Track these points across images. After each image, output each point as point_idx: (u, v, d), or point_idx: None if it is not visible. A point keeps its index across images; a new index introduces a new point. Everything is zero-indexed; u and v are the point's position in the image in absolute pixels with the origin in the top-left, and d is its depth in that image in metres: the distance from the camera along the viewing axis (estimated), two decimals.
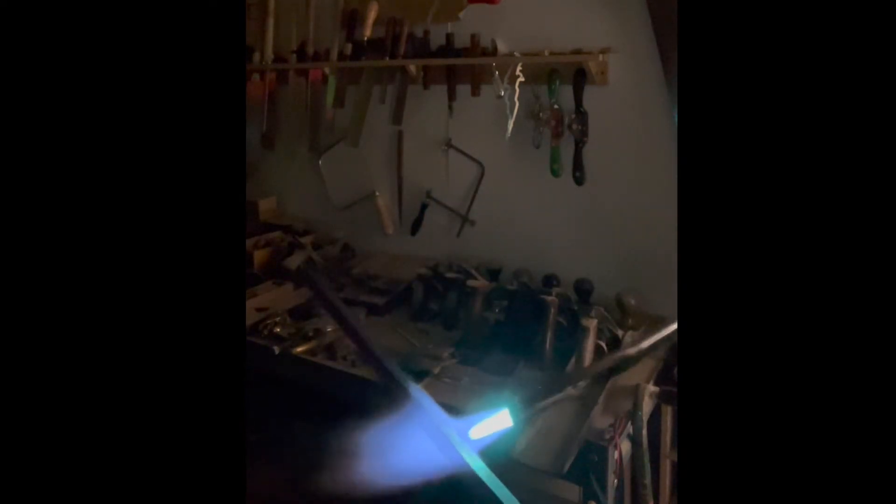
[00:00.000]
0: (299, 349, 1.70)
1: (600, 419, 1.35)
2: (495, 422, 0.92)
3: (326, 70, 2.26)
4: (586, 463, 1.27)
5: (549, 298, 1.58)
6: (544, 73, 1.84)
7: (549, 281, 1.89)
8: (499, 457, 1.01)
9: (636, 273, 1.83)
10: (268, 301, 1.97)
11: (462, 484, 0.88)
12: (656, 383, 1.47)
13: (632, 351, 1.23)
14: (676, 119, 1.65)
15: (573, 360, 1.48)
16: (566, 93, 1.84)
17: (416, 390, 1.02)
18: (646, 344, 1.21)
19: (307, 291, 2.04)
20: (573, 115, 1.83)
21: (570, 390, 1.18)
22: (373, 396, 1.53)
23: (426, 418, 0.94)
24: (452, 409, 1.09)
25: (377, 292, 2.02)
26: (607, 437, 1.28)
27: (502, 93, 1.85)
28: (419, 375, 1.54)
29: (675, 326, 1.17)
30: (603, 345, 1.53)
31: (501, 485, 0.85)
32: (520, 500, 0.83)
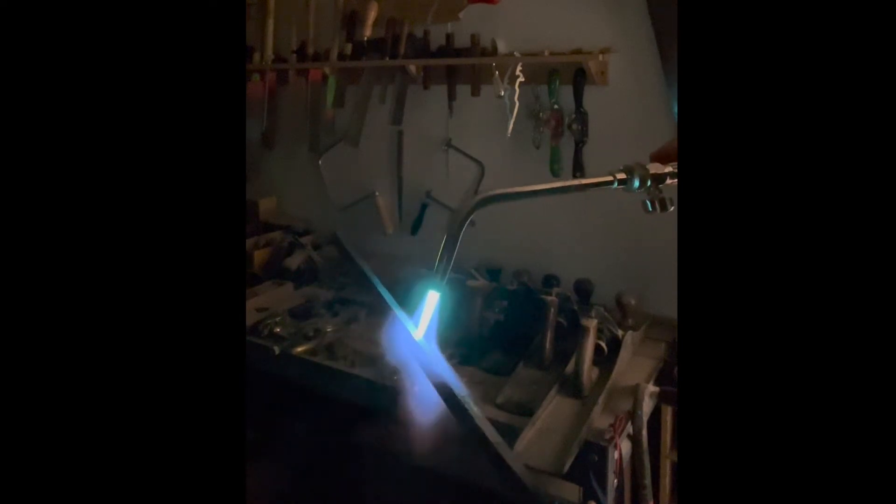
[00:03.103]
0: (299, 349, 1.70)
1: (600, 419, 1.35)
2: (428, 307, 0.94)
3: (326, 70, 2.26)
4: (586, 463, 1.27)
5: (549, 298, 1.58)
6: (544, 73, 1.84)
7: (549, 281, 1.89)
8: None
9: (636, 273, 1.83)
10: (268, 301, 1.97)
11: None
12: (656, 383, 1.47)
13: None
14: (676, 119, 1.65)
15: (573, 359, 1.48)
16: (566, 93, 1.84)
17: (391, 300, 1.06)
18: None
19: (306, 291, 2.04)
20: (573, 115, 1.83)
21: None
22: (373, 396, 1.54)
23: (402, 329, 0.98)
24: None
25: (377, 292, 2.02)
26: (607, 437, 1.28)
27: (502, 93, 1.85)
28: None
29: None
30: (603, 345, 1.53)
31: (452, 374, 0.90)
32: (519, 501, 0.84)
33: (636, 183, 0.87)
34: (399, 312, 1.02)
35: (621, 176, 0.88)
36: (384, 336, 1.00)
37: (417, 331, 0.94)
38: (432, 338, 0.96)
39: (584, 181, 0.92)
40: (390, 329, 0.99)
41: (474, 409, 0.85)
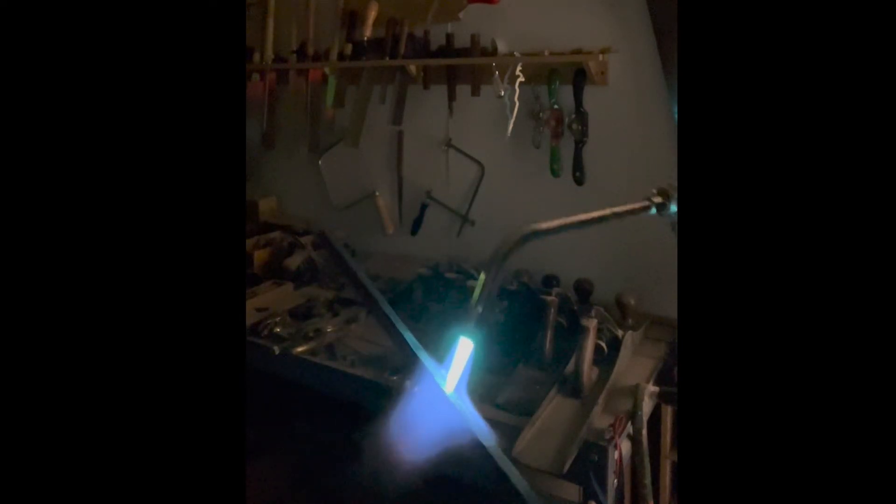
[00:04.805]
0: (299, 349, 1.70)
1: (600, 419, 1.35)
2: (461, 356, 0.88)
3: (326, 70, 2.26)
4: (586, 463, 1.27)
5: (549, 298, 1.58)
6: (544, 73, 1.84)
7: (549, 281, 1.89)
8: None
9: (636, 273, 1.83)
10: (268, 301, 1.97)
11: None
12: (656, 383, 1.47)
13: None
14: (676, 119, 1.65)
15: (573, 359, 1.48)
16: (566, 93, 1.84)
17: (426, 357, 0.99)
18: None
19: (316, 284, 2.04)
20: (573, 115, 1.83)
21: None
22: (373, 396, 1.53)
23: (433, 385, 0.91)
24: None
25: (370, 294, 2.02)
26: (607, 437, 1.28)
27: (502, 93, 1.85)
28: None
29: None
30: (603, 345, 1.52)
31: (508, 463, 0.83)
32: (519, 500, 0.83)
33: (673, 207, 0.83)
34: (426, 359, 0.93)
35: (658, 200, 0.83)
36: (412, 392, 0.93)
37: (448, 383, 0.87)
38: (464, 390, 0.88)
39: (621, 209, 0.87)
40: (419, 382, 0.92)
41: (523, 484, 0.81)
